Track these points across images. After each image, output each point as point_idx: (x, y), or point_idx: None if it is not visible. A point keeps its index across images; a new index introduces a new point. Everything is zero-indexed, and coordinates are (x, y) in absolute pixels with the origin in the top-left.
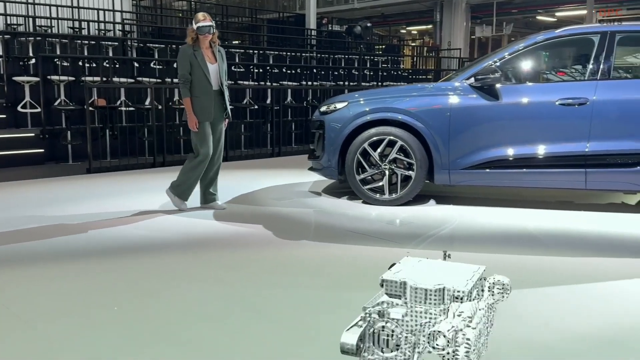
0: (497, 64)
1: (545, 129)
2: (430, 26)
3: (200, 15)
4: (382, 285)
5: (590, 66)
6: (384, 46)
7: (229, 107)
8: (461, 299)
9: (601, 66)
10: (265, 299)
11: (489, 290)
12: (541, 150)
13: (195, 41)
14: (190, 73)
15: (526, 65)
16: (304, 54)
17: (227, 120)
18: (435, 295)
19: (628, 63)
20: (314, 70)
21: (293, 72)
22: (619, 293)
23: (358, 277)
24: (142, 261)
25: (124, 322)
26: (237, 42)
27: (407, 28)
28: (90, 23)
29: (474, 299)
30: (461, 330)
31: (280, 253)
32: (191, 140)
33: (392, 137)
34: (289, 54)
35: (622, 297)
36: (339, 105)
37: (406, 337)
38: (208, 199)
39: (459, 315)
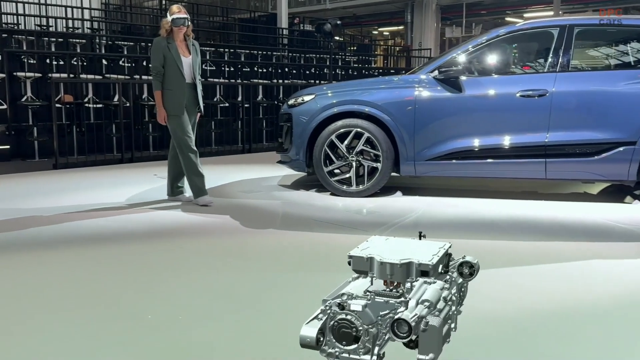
0: (460, 56)
1: (506, 120)
2: (401, 27)
3: (175, 7)
4: (349, 264)
5: (550, 58)
6: (355, 48)
7: (201, 101)
8: (427, 272)
9: (560, 58)
10: (231, 283)
11: (457, 271)
12: (503, 141)
13: (169, 33)
14: (163, 66)
15: (488, 58)
16: (275, 53)
17: (199, 114)
18: (401, 270)
19: (586, 55)
20: (286, 69)
21: (265, 70)
22: (576, 273)
23: (323, 262)
24: (113, 251)
25: (95, 310)
26: (209, 42)
27: (379, 29)
28: (58, 21)
29: (440, 273)
30: (424, 317)
31: (247, 241)
32: (171, 135)
33: (359, 129)
34: (260, 52)
35: (578, 276)
36: (307, 98)
37: (367, 329)
38: (175, 191)
39: (422, 303)
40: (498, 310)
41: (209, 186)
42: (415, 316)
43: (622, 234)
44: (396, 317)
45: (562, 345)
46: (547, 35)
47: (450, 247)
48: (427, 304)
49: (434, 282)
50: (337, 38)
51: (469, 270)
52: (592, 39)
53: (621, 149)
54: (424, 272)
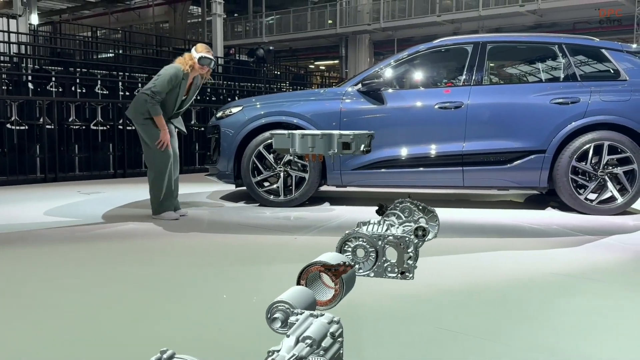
0: (383, 70)
1: (426, 130)
2: (336, 61)
3: (202, 46)
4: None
5: (465, 73)
6: (289, 80)
7: (181, 125)
8: (349, 145)
9: (474, 73)
10: (155, 276)
11: (414, 233)
12: (424, 150)
13: (191, 69)
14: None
15: (409, 72)
16: (210, 81)
17: (180, 133)
18: (323, 141)
19: (499, 70)
20: (221, 97)
21: (199, 97)
22: (485, 261)
23: (248, 257)
24: (35, 251)
25: (32, 310)
26: (145, 75)
27: (315, 63)
28: None
29: (363, 152)
30: (305, 359)
31: (170, 241)
32: (145, 155)
33: None
34: None
35: (487, 263)
36: (234, 110)
37: None
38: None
39: (303, 341)
40: (406, 288)
41: (137, 199)
42: (293, 357)
43: (530, 232)
44: (269, 359)
45: (465, 314)
46: (463, 51)
47: (373, 134)
48: (309, 341)
49: (321, 315)
50: (275, 72)
51: (422, 232)
52: (504, 55)
53: (532, 157)
54: (345, 143)
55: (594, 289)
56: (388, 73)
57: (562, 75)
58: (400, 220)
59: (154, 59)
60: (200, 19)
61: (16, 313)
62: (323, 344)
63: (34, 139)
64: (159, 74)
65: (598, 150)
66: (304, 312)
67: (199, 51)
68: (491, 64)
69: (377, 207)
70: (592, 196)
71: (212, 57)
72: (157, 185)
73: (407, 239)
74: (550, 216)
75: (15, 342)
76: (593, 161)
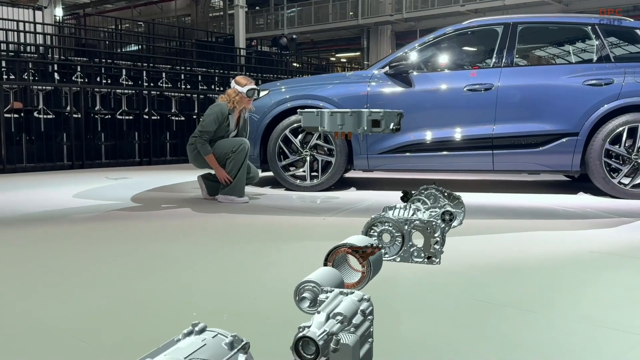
0: (410, 53)
1: (455, 113)
2: (358, 53)
3: (242, 78)
4: (302, 125)
5: (495, 54)
6: (311, 70)
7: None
8: (378, 122)
9: (505, 54)
10: (186, 250)
11: (441, 218)
12: (452, 133)
13: (237, 104)
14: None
15: (436, 54)
16: (232, 72)
17: None
18: (352, 118)
19: (530, 51)
20: None
21: (222, 89)
22: (521, 240)
23: (271, 236)
24: (61, 230)
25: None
26: (168, 66)
27: (337, 55)
28: (9, 37)
29: (392, 130)
30: (335, 335)
31: (198, 221)
32: (227, 165)
33: None
34: (217, 70)
35: (523, 242)
36: (261, 94)
37: None
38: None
39: (333, 317)
40: (445, 266)
41: (163, 184)
42: (324, 333)
43: (564, 214)
44: (299, 334)
45: (501, 287)
46: (492, 32)
47: (402, 112)
48: (339, 317)
49: (351, 293)
50: (295, 64)
51: (449, 217)
52: (535, 36)
53: (564, 140)
54: (375, 121)
55: (633, 265)
56: (415, 55)
57: (595, 57)
58: (426, 207)
59: (177, 50)
60: (222, 12)
61: (52, 283)
62: (354, 321)
63: (61, 128)
64: (205, 114)
65: (632, 132)
66: (333, 290)
67: (243, 84)
68: (522, 45)
69: (401, 194)
70: (626, 180)
71: (255, 87)
72: (233, 167)
73: (434, 223)
74: (583, 200)
75: (51, 311)
76: (627, 144)
